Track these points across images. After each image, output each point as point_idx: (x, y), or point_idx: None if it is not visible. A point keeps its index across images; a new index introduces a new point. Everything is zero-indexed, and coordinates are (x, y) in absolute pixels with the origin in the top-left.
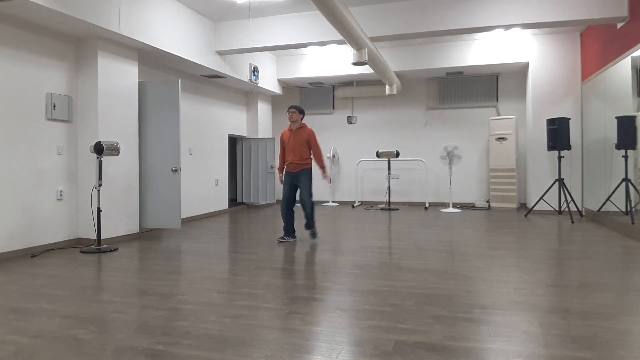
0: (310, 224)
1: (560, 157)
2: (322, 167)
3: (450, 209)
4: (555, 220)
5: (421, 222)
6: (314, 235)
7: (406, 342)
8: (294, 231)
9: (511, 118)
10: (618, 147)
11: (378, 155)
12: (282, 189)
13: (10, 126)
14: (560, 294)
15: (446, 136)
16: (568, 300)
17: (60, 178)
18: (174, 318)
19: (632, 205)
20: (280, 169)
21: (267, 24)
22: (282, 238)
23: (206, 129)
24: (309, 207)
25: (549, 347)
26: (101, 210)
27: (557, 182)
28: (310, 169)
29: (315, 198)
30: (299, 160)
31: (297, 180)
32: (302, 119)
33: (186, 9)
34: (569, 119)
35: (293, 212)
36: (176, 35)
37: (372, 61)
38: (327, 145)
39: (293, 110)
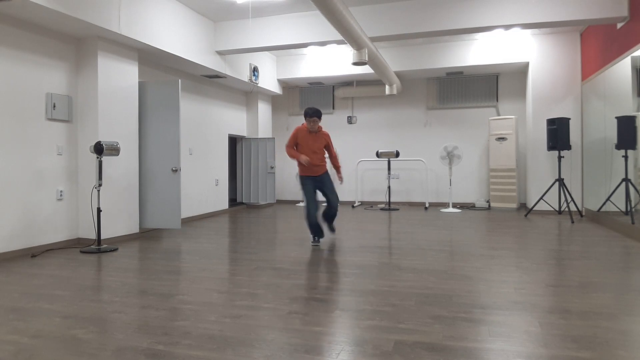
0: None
1: (560, 157)
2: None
3: (450, 209)
4: (555, 220)
5: (421, 222)
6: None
7: (406, 342)
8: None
9: (511, 118)
10: (618, 147)
11: (378, 155)
12: (309, 192)
13: (10, 126)
14: (560, 294)
15: (446, 136)
16: (568, 300)
17: (60, 178)
18: (174, 318)
19: (632, 205)
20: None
21: (267, 24)
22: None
23: (206, 129)
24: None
25: (549, 347)
26: (101, 210)
27: (557, 182)
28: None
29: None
30: (321, 162)
31: (322, 184)
32: None
33: (186, 9)
34: (569, 119)
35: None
36: (176, 35)
37: (372, 61)
38: None
39: (316, 119)
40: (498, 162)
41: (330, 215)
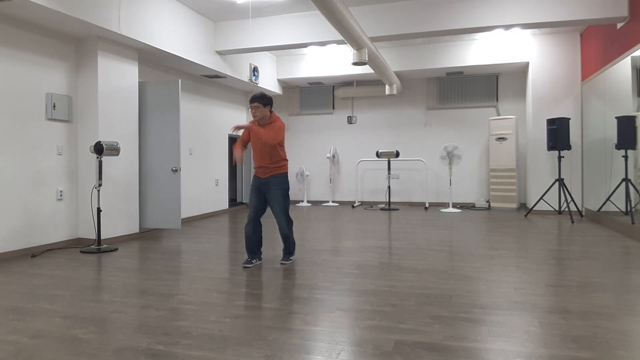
0: (290, 250)
1: (560, 157)
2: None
3: (450, 209)
4: (555, 220)
5: (421, 222)
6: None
7: (406, 342)
8: (260, 252)
9: (511, 118)
10: (618, 147)
11: (378, 155)
12: (251, 195)
13: (10, 126)
14: (560, 294)
15: (446, 136)
16: (568, 300)
17: (60, 178)
18: (174, 318)
19: (632, 205)
20: (242, 145)
21: (267, 24)
22: (248, 262)
23: (206, 129)
24: (287, 229)
25: (549, 347)
26: (101, 210)
27: (557, 182)
28: (285, 174)
29: (315, 198)
30: (270, 164)
31: (266, 191)
32: (270, 111)
33: (186, 9)
34: (569, 119)
35: (261, 227)
36: (176, 35)
37: (372, 61)
38: (327, 145)
39: (257, 104)
40: (498, 162)
41: (282, 237)
